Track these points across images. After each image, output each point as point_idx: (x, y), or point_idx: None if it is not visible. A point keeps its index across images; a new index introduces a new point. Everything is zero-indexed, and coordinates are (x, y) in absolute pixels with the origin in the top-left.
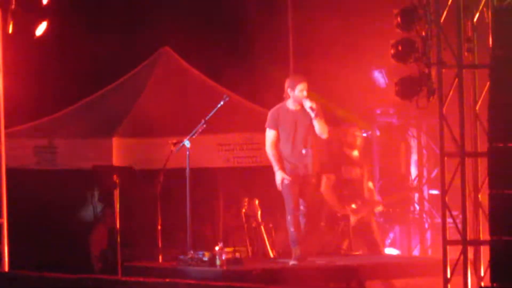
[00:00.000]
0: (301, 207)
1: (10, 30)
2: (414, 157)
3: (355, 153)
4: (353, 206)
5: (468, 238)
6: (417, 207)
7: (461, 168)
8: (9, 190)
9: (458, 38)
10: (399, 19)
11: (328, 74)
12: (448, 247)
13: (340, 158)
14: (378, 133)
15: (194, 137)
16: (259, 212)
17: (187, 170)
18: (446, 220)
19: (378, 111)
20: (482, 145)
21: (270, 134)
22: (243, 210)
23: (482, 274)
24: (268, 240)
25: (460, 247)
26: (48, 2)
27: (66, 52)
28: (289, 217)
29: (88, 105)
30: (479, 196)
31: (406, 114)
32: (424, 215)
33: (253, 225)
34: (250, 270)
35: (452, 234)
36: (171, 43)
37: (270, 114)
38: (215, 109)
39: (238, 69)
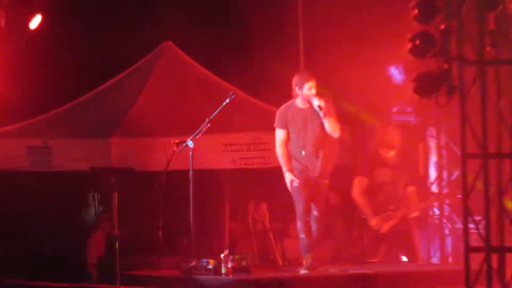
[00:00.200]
0: (314, 212)
1: (3, 24)
2: (433, 159)
3: (392, 154)
4: (386, 213)
5: (492, 245)
6: (437, 212)
7: (484, 170)
8: (1, 193)
9: (480, 31)
10: (416, 11)
11: (341, 70)
12: (470, 254)
13: (374, 159)
14: None
15: (198, 137)
16: (267, 217)
17: (191, 172)
18: (468, 225)
19: (395, 110)
20: (506, 146)
21: (279, 134)
22: (250, 215)
23: (507, 283)
24: (277, 247)
25: (483, 255)
26: None
27: (62, 48)
28: (299, 223)
29: (85, 103)
30: (503, 200)
31: (424, 113)
32: (444, 220)
33: (261, 231)
34: (258, 279)
35: (475, 240)
36: (173, 37)
37: (279, 113)
38: (220, 107)
39: (245, 65)
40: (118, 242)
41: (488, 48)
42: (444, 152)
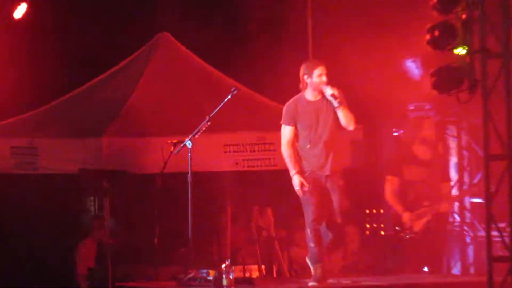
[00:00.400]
0: (333, 217)
1: None
2: (453, 160)
3: (426, 150)
4: (420, 210)
5: None
6: (457, 218)
7: (509, 173)
8: None
9: (504, 21)
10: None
11: (352, 64)
12: (493, 265)
13: (405, 156)
14: None
15: (197, 136)
16: (272, 224)
17: (189, 175)
18: (491, 233)
19: (412, 107)
20: None
21: (286, 131)
22: (254, 222)
23: None
24: (283, 256)
25: (507, 265)
26: None
27: (50, 40)
28: (308, 231)
29: (74, 99)
30: None
31: (444, 110)
32: (466, 228)
33: (266, 238)
34: None
35: (499, 249)
36: (170, 28)
37: (287, 107)
38: (221, 104)
39: (249, 58)
40: (110, 251)
41: None
42: (465, 153)
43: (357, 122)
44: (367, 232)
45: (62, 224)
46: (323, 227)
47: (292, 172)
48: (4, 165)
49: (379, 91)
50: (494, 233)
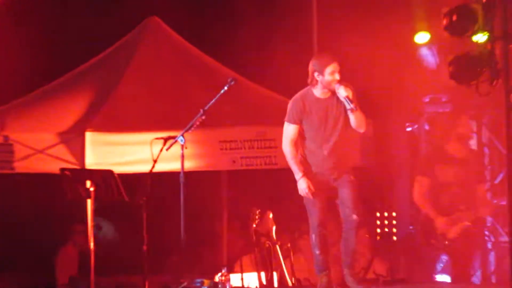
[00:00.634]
0: (353, 216)
1: None
2: None
3: (461, 148)
4: (455, 214)
5: None
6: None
7: None
8: None
9: None
10: None
11: (361, 53)
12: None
13: (438, 155)
14: (426, 127)
15: (190, 131)
16: (273, 228)
17: (181, 175)
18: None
19: (427, 99)
20: None
21: (289, 130)
22: (254, 226)
23: None
24: (285, 263)
25: None
26: None
27: (30, 24)
28: (313, 236)
29: (55, 89)
30: None
31: (462, 103)
32: (486, 232)
33: (266, 244)
34: None
35: None
36: (160, 12)
37: (293, 104)
38: (217, 96)
39: (248, 46)
40: (93, 258)
41: None
42: (486, 150)
43: (366, 116)
44: (378, 237)
45: (41, 229)
46: (348, 227)
47: (298, 175)
48: None
49: (391, 81)
50: None
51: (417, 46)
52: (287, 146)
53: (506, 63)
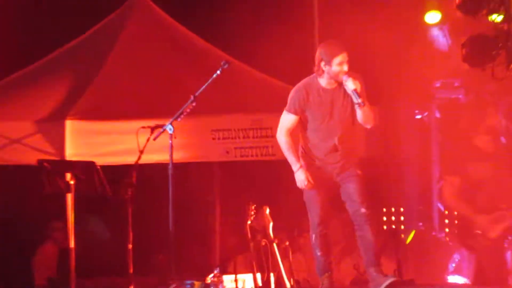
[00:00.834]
0: (361, 209)
1: None
2: None
3: (490, 141)
4: (497, 212)
5: None
6: None
7: None
8: None
9: None
10: None
11: (366, 34)
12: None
13: (467, 152)
14: (438, 115)
15: (179, 119)
16: (270, 225)
17: (170, 166)
18: None
19: (438, 84)
20: None
21: (287, 119)
22: (249, 223)
23: None
24: (283, 264)
25: None
26: None
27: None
28: (313, 237)
29: (33, 74)
30: None
31: (477, 88)
32: None
33: (263, 243)
34: None
35: None
36: None
37: (295, 93)
38: (209, 81)
39: (243, 27)
40: (73, 258)
41: None
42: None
43: (371, 103)
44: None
45: (17, 226)
46: (361, 222)
47: (296, 166)
48: None
49: (398, 65)
50: None
51: (427, 27)
52: (282, 136)
53: None
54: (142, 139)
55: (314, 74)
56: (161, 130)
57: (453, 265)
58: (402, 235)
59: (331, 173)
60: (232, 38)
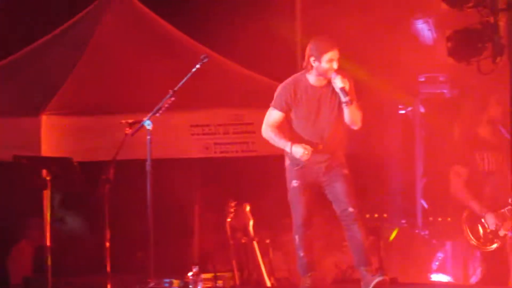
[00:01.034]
0: (349, 209)
1: None
2: None
3: (493, 131)
4: (506, 208)
5: None
6: None
7: None
8: None
9: None
10: None
11: (349, 26)
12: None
13: (472, 141)
14: (422, 110)
15: (158, 115)
16: (251, 223)
17: (148, 163)
18: None
19: (422, 79)
20: None
21: (273, 116)
22: (229, 220)
23: None
24: (263, 262)
25: None
26: None
27: None
28: (297, 238)
29: (7, 67)
30: None
31: (462, 83)
32: None
33: (243, 240)
34: None
35: None
36: None
37: (283, 89)
38: (188, 75)
39: (223, 19)
40: (50, 256)
41: None
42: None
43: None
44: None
45: None
46: (348, 222)
47: (287, 145)
48: None
49: (382, 58)
50: None
51: (411, 20)
52: (267, 131)
53: (510, 37)
54: (120, 135)
55: (303, 71)
56: (139, 125)
57: (437, 263)
58: (385, 233)
59: (316, 173)
60: (212, 31)
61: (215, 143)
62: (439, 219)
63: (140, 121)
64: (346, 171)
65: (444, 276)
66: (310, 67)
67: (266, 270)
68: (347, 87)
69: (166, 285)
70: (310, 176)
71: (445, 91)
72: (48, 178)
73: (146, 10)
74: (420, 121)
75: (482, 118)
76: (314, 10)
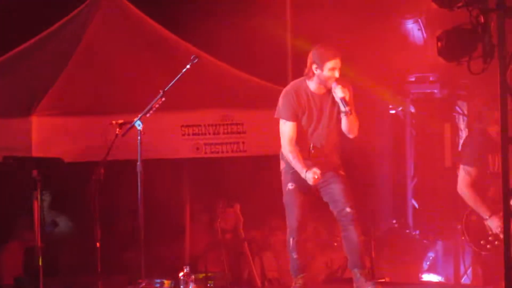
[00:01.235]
0: (346, 209)
1: None
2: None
3: (499, 132)
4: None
5: None
6: None
7: None
8: None
9: None
10: None
11: (339, 27)
12: None
13: (486, 142)
14: (412, 110)
15: (148, 115)
16: (241, 223)
17: (138, 163)
18: (510, 233)
19: (413, 78)
20: None
21: (288, 129)
22: (219, 220)
23: None
24: (254, 262)
25: None
26: None
27: None
28: (291, 240)
29: None
30: None
31: (452, 83)
32: None
33: (233, 240)
34: None
35: None
36: None
37: (286, 98)
38: (178, 76)
39: (213, 20)
40: (41, 257)
41: None
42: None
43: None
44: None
45: None
46: (345, 222)
47: (303, 172)
48: None
49: (372, 58)
50: None
51: (402, 20)
52: (287, 146)
53: (501, 38)
54: (110, 135)
55: (303, 77)
56: (129, 126)
57: (427, 263)
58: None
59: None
60: (203, 32)
61: (206, 144)
62: (430, 219)
63: (130, 122)
64: (342, 172)
65: (435, 276)
66: (311, 74)
67: (256, 270)
68: (347, 97)
69: (157, 285)
70: (306, 182)
71: (435, 91)
72: (38, 178)
73: (136, 10)
74: (410, 121)
75: (491, 117)
76: (304, 10)
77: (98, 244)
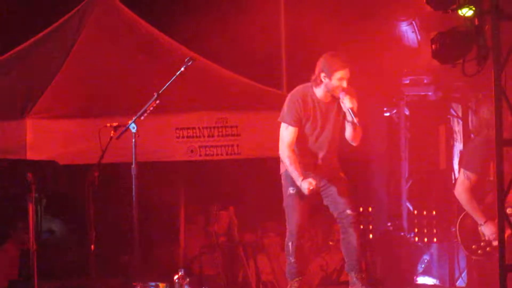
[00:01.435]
0: (347, 211)
1: None
2: (458, 147)
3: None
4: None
5: None
6: None
7: None
8: None
9: None
10: None
11: (333, 29)
12: (508, 274)
13: (489, 150)
14: (407, 112)
15: (142, 118)
16: (236, 226)
17: (133, 166)
18: (504, 236)
19: (407, 81)
20: None
21: (289, 133)
22: (214, 223)
23: None
24: (248, 265)
25: None
26: None
27: None
28: (290, 244)
29: None
30: None
31: (447, 85)
32: None
33: (228, 243)
34: None
35: None
36: None
37: (292, 103)
38: (172, 78)
39: (207, 21)
40: (35, 259)
41: None
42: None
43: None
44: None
45: None
46: (346, 225)
47: (299, 180)
48: None
49: (366, 61)
50: None
51: (395, 22)
52: (285, 151)
53: (495, 40)
54: (105, 138)
55: (309, 83)
56: (124, 129)
57: (422, 265)
58: (371, 235)
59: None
60: (197, 35)
61: (200, 146)
62: (425, 221)
63: (125, 124)
64: (342, 175)
65: (430, 279)
66: (319, 83)
67: (251, 273)
68: (355, 108)
69: None
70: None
71: (430, 93)
72: (33, 181)
73: (131, 13)
74: (405, 123)
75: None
76: (298, 14)
77: (92, 247)
